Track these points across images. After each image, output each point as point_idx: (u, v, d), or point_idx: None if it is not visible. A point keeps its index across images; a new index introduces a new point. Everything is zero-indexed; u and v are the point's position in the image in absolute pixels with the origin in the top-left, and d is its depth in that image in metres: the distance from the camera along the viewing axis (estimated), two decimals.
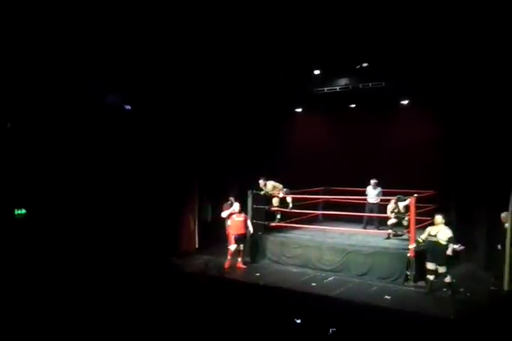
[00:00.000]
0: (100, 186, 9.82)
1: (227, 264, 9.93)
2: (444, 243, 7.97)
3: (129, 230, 10.00)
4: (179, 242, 11.11)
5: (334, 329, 6.02)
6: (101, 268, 8.84)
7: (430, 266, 8.11)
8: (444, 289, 8.16)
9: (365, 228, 10.95)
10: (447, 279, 8.04)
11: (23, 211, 8.92)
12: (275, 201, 10.99)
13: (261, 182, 10.91)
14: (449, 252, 7.94)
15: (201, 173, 11.61)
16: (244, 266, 10.03)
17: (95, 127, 9.71)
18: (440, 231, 8.02)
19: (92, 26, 8.43)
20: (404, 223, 9.81)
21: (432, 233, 8.11)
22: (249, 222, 10.26)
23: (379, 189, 11.21)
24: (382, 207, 10.70)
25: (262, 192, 10.89)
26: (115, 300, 7.28)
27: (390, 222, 10.10)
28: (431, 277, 8.13)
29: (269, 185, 10.90)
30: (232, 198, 10.81)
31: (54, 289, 7.67)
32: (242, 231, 10.05)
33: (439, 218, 8.15)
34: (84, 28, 8.41)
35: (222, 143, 11.90)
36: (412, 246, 8.64)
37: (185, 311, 6.90)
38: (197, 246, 11.56)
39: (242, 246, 10.07)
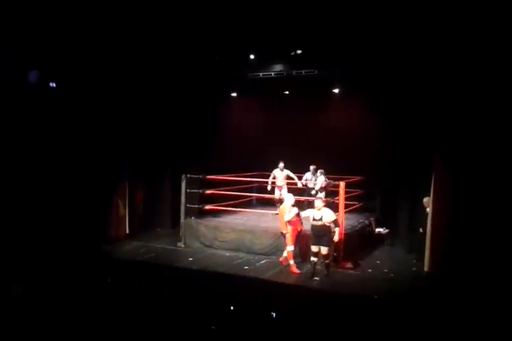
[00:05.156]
0: (19, 165, 9.12)
1: (295, 269, 8.65)
2: (328, 225, 8.29)
3: (49, 212, 9.39)
4: (107, 226, 10.62)
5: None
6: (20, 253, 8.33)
7: (314, 248, 8.35)
8: (319, 266, 8.42)
9: None
10: (328, 260, 8.41)
11: None
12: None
13: (281, 165, 11.09)
14: (335, 238, 8.31)
15: (132, 157, 11.18)
16: (298, 271, 8.65)
17: (14, 106, 9.01)
18: (324, 215, 8.28)
19: None
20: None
21: (317, 217, 8.31)
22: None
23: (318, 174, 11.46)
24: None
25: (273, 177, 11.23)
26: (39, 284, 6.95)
27: None
28: (314, 259, 8.38)
29: (286, 172, 11.14)
30: None
31: None
32: (301, 226, 8.92)
33: (318, 202, 8.40)
34: None
35: (156, 124, 11.50)
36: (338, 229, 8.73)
37: (113, 298, 6.73)
38: (127, 232, 11.18)
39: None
